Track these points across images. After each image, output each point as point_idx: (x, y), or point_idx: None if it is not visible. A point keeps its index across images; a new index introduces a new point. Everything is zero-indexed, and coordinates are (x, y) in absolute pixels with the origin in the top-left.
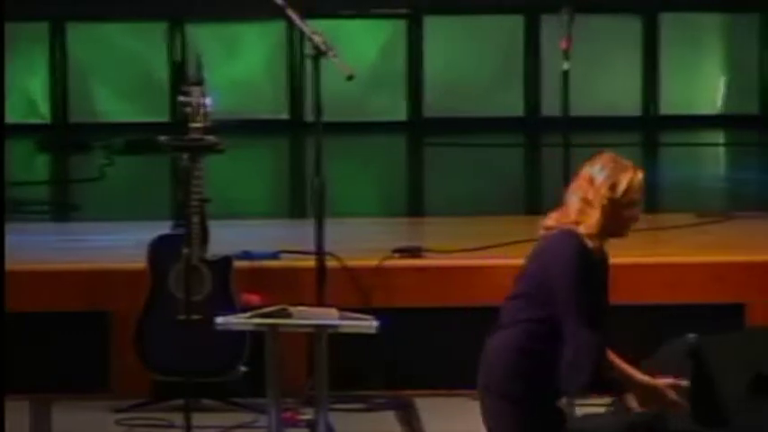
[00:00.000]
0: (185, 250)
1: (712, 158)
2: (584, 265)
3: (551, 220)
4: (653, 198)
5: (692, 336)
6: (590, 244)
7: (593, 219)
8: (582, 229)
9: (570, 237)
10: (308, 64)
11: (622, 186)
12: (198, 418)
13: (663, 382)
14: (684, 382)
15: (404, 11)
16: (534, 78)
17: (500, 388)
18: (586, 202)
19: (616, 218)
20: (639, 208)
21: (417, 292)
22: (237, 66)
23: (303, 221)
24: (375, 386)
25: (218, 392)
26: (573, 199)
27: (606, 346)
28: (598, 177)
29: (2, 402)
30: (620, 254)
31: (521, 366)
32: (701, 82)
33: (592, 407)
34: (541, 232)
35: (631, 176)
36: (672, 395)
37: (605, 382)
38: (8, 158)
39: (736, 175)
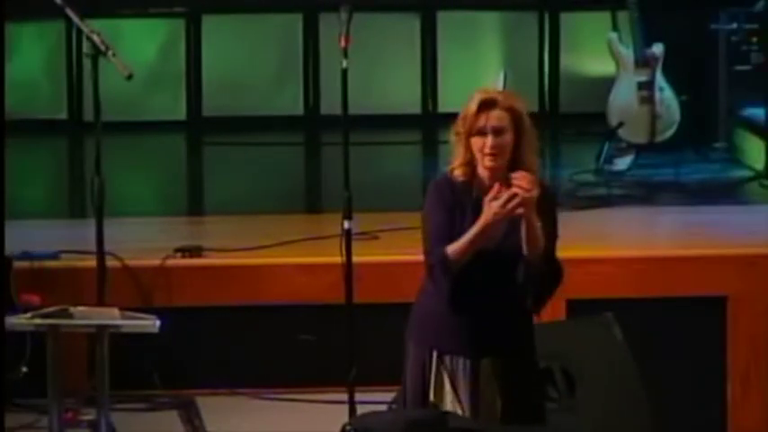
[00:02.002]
0: None
1: None
2: (432, 195)
3: None
4: None
5: None
6: (458, 174)
7: (456, 153)
8: (453, 164)
9: (436, 177)
10: (87, 63)
11: (462, 116)
12: None
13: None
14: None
15: (182, 10)
16: (314, 77)
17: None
18: (454, 138)
19: (469, 148)
20: (485, 138)
21: (199, 292)
22: (15, 65)
23: (83, 221)
24: (157, 386)
25: None
26: None
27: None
28: None
29: (1, 403)
30: (399, 251)
31: (416, 308)
32: (480, 80)
33: (374, 404)
34: None
35: (469, 105)
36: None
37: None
38: None
39: None
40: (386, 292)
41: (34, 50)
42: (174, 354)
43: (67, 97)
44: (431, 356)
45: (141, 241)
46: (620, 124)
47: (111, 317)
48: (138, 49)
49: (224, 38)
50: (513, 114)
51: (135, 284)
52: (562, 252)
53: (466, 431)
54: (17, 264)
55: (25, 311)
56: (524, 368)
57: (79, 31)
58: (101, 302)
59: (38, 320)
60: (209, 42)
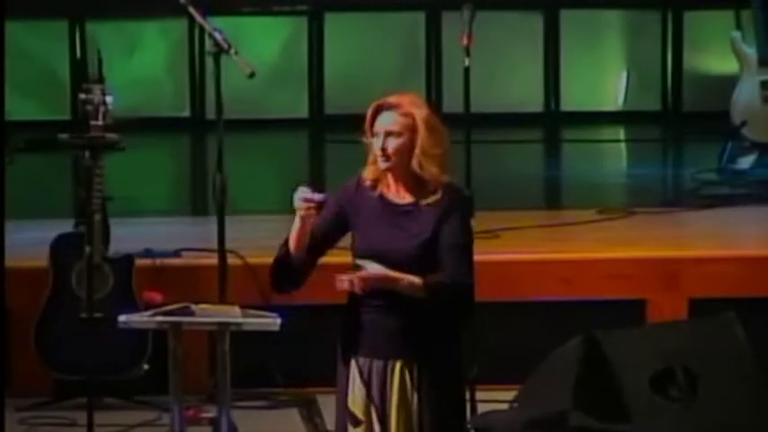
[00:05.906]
0: (87, 248)
1: (614, 154)
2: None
3: None
4: (555, 194)
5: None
6: (367, 174)
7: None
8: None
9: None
10: (209, 61)
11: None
12: (100, 417)
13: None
14: None
15: (304, 8)
16: (436, 75)
17: None
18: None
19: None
20: (379, 141)
21: (318, 289)
22: (139, 63)
23: (205, 219)
24: (278, 383)
25: (120, 390)
26: None
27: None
28: None
29: (2, 403)
30: (520, 250)
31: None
32: (603, 78)
33: (495, 403)
34: None
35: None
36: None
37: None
38: None
39: (638, 170)
40: (505, 291)
41: (157, 48)
42: (294, 351)
43: (190, 95)
44: (349, 363)
45: (262, 238)
46: (744, 123)
47: (233, 315)
48: (260, 46)
49: (346, 35)
50: (410, 120)
51: (255, 282)
52: (683, 251)
53: (587, 431)
54: (139, 261)
55: (147, 309)
56: (438, 373)
57: (202, 30)
58: (222, 300)
59: (159, 318)
60: (332, 40)
